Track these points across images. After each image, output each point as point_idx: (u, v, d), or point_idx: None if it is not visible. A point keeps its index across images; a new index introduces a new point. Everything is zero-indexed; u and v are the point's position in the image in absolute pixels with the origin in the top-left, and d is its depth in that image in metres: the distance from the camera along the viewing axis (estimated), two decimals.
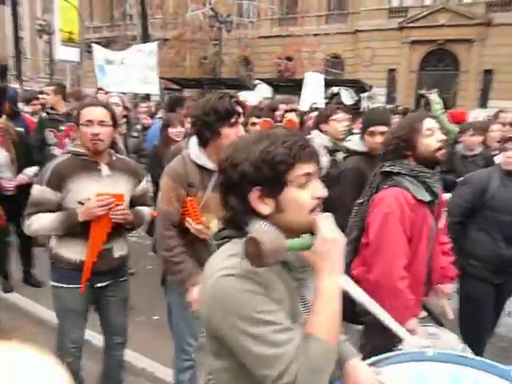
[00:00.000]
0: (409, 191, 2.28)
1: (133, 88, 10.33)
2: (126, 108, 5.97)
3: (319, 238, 1.18)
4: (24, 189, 4.34)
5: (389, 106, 12.68)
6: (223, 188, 1.26)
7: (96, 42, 14.40)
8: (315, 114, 5.21)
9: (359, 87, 15.26)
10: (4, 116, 4.35)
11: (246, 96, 9.12)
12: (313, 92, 11.12)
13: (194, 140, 2.42)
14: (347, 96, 12.54)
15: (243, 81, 19.65)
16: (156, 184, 2.92)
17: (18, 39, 20.33)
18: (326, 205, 1.58)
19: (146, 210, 2.77)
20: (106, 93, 8.08)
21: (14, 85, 9.03)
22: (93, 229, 2.47)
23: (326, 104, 10.59)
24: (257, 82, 15.76)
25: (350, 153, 3.47)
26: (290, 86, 16.86)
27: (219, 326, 1.16)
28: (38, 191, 2.47)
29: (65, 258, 2.54)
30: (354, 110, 9.98)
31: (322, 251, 1.18)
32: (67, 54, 17.11)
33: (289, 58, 28.94)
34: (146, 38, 15.85)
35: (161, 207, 2.41)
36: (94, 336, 3.13)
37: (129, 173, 2.66)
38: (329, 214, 1.24)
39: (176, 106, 5.76)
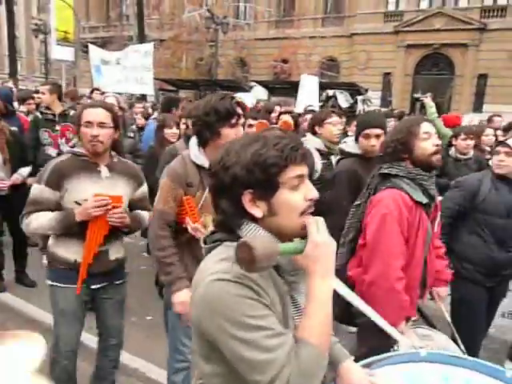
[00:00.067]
0: (406, 193, 2.30)
1: (129, 88, 10.33)
2: (121, 108, 5.98)
3: (311, 242, 1.18)
4: (18, 189, 4.35)
5: (384, 110, 12.71)
6: (215, 191, 1.25)
7: (92, 42, 14.38)
8: (310, 116, 5.24)
9: (354, 90, 15.31)
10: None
11: (242, 98, 9.12)
12: (308, 94, 11.16)
13: (193, 140, 2.43)
14: (342, 99, 12.59)
15: (239, 82, 19.65)
16: (151, 185, 2.90)
17: (13, 38, 20.23)
18: (321, 207, 1.59)
19: (144, 214, 2.75)
20: (102, 93, 8.07)
21: (9, 84, 8.99)
22: (89, 230, 2.46)
23: (321, 107, 10.63)
24: (252, 83, 15.79)
25: (345, 155, 3.49)
26: (285, 88, 16.88)
27: (210, 330, 1.15)
28: (37, 190, 2.47)
29: (61, 257, 2.54)
30: (350, 113, 10.03)
31: (314, 255, 1.17)
32: (62, 53, 17.01)
33: (285, 61, 29.00)
34: (142, 38, 15.86)
35: (157, 206, 2.42)
36: (91, 338, 3.12)
37: (129, 176, 2.64)
38: (320, 218, 1.24)
39: (171, 106, 5.76)
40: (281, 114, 5.70)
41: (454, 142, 4.60)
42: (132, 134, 6.39)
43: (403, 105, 23.69)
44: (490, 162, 3.25)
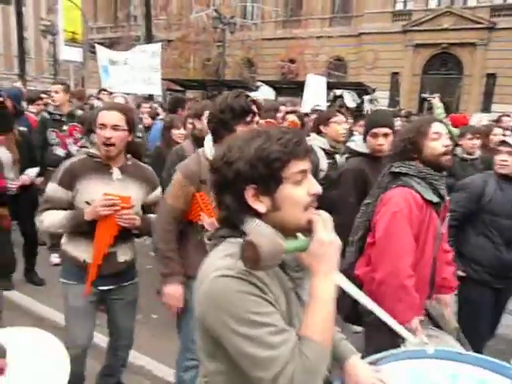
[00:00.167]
0: (417, 191, 2.30)
1: (136, 88, 10.34)
2: None
3: (315, 240, 1.18)
4: (26, 189, 4.39)
5: (391, 109, 12.67)
6: (217, 187, 1.25)
7: (99, 43, 14.43)
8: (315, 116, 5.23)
9: (362, 90, 15.26)
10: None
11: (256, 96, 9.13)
12: (315, 94, 11.14)
13: (209, 137, 2.47)
14: (350, 99, 12.55)
15: (246, 82, 19.66)
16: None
17: (22, 39, 20.34)
18: (327, 206, 1.59)
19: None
20: (110, 93, 8.10)
21: (17, 84, 9.06)
22: (98, 229, 2.48)
23: (329, 107, 10.61)
24: (259, 84, 15.77)
25: (353, 154, 3.49)
26: (292, 88, 16.87)
27: (214, 327, 1.16)
28: (51, 189, 2.52)
29: (72, 255, 2.57)
30: (357, 113, 10.00)
31: (319, 253, 1.18)
32: (70, 54, 17.13)
33: (292, 61, 28.97)
34: (149, 38, 15.87)
35: (167, 201, 2.45)
36: (100, 337, 3.15)
37: (142, 179, 2.65)
38: (327, 214, 1.24)
39: (177, 106, 5.78)
40: (287, 113, 5.69)
41: (460, 142, 4.57)
42: (140, 134, 6.42)
43: (411, 105, 23.58)
44: None
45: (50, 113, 5.24)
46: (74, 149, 5.04)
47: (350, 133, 5.63)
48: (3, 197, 3.93)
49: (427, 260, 2.38)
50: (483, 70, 25.09)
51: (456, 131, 5.10)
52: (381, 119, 3.35)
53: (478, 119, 8.18)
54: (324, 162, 3.63)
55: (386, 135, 3.21)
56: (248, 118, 2.32)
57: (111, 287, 2.65)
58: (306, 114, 7.28)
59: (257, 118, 2.40)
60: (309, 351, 1.11)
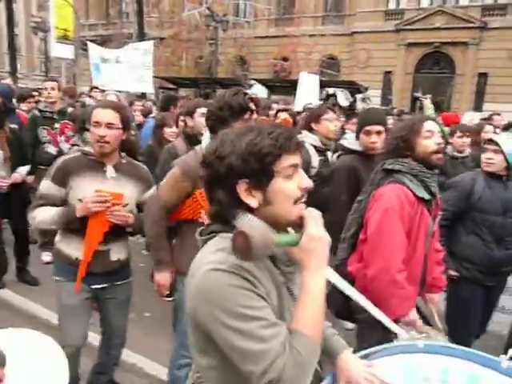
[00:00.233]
0: (408, 188, 2.32)
1: (128, 86, 10.30)
2: None
3: (306, 235, 1.19)
4: (17, 187, 4.36)
5: (384, 108, 12.72)
6: (209, 182, 1.25)
7: (91, 40, 14.37)
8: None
9: (354, 89, 15.31)
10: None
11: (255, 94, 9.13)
12: (307, 92, 11.16)
13: (207, 134, 2.48)
14: (342, 97, 12.59)
15: (239, 80, 19.66)
16: None
17: (12, 36, 20.19)
18: (319, 203, 1.60)
19: None
20: (102, 91, 8.06)
21: (6, 81, 8.99)
22: (89, 226, 2.48)
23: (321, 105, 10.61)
24: (252, 82, 15.78)
25: (345, 151, 3.50)
26: (285, 86, 16.89)
27: (205, 321, 1.16)
28: (45, 185, 2.52)
29: (64, 253, 2.57)
30: (349, 112, 10.03)
31: (309, 248, 1.19)
32: (62, 51, 17.00)
33: (285, 59, 28.97)
34: (141, 36, 15.84)
35: (161, 194, 2.47)
36: (93, 336, 3.14)
37: (136, 178, 2.64)
38: (316, 211, 1.25)
39: (169, 105, 5.77)
40: (278, 111, 5.71)
41: (450, 140, 4.60)
42: (133, 133, 6.39)
43: (403, 103, 23.70)
44: None
45: (40, 110, 5.19)
46: (65, 147, 5.00)
47: (342, 131, 5.66)
48: None
49: (418, 257, 2.40)
50: (475, 70, 25.24)
51: (447, 130, 5.13)
52: (374, 117, 3.36)
53: (470, 118, 8.24)
54: (316, 159, 3.63)
55: (378, 133, 3.23)
56: (246, 116, 2.34)
57: (104, 285, 2.64)
58: (299, 113, 7.29)
59: (255, 116, 2.42)
60: (299, 345, 1.12)
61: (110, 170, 2.54)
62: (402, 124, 2.64)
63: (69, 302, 2.58)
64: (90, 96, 7.90)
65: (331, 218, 2.34)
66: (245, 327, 1.10)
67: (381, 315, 1.61)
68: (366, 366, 1.47)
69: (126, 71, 10.15)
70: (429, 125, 2.41)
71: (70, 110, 5.43)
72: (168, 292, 2.66)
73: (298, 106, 9.62)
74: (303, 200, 1.24)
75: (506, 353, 1.48)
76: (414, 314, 2.25)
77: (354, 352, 1.55)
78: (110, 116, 2.46)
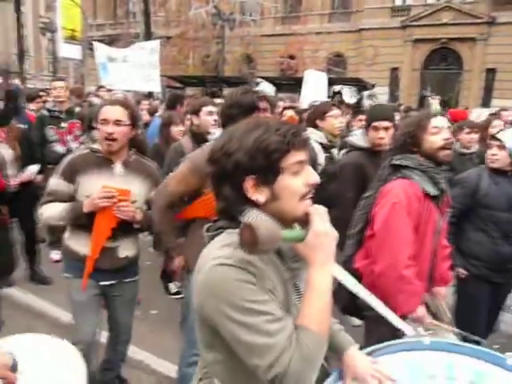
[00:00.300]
0: (417, 184, 2.32)
1: (135, 86, 10.33)
2: None
3: (312, 231, 1.19)
4: (26, 186, 4.39)
5: (391, 104, 12.65)
6: (216, 178, 1.26)
7: (99, 40, 14.43)
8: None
9: (361, 86, 15.24)
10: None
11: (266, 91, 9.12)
12: (314, 90, 11.11)
13: (219, 132, 2.53)
14: (349, 95, 12.53)
15: (246, 79, 19.62)
16: None
17: (21, 37, 20.33)
18: (325, 199, 1.60)
19: None
20: (109, 90, 8.10)
21: (15, 81, 9.07)
22: (96, 221, 2.49)
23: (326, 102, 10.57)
24: (259, 80, 15.76)
25: (353, 148, 3.49)
26: (292, 84, 16.85)
27: (211, 316, 1.17)
28: (54, 182, 2.55)
29: (73, 249, 2.60)
30: (356, 109, 9.99)
31: (315, 244, 1.19)
32: (70, 51, 17.13)
33: (291, 57, 28.92)
34: (148, 35, 15.85)
35: (169, 185, 2.48)
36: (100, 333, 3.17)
37: (145, 174, 2.65)
38: (322, 207, 1.25)
39: (176, 103, 5.78)
40: (284, 109, 5.70)
41: (458, 137, 4.57)
42: (140, 131, 6.42)
43: (411, 100, 23.56)
44: None
45: (48, 110, 5.25)
46: (74, 146, 5.05)
47: (348, 128, 5.64)
48: (3, 196, 3.92)
49: (426, 253, 2.39)
50: (483, 65, 25.04)
51: (454, 126, 5.10)
52: (381, 113, 3.34)
53: (477, 115, 8.18)
54: (322, 156, 3.63)
55: (386, 129, 3.21)
56: (255, 114, 2.33)
57: (112, 282, 2.66)
58: (305, 110, 7.28)
59: (267, 114, 2.41)
60: (306, 340, 1.13)
61: (118, 167, 2.56)
62: (409, 120, 2.63)
63: (78, 298, 2.61)
64: (97, 95, 7.93)
65: (337, 214, 2.33)
66: (251, 321, 1.11)
67: (387, 312, 1.60)
68: (372, 362, 1.47)
69: (133, 70, 10.18)
70: (436, 121, 2.40)
71: (77, 109, 5.46)
72: (177, 289, 2.68)
73: (303, 104, 9.59)
74: (310, 196, 1.24)
75: None
76: (421, 311, 2.25)
77: (361, 348, 1.55)
78: (119, 113, 2.48)
